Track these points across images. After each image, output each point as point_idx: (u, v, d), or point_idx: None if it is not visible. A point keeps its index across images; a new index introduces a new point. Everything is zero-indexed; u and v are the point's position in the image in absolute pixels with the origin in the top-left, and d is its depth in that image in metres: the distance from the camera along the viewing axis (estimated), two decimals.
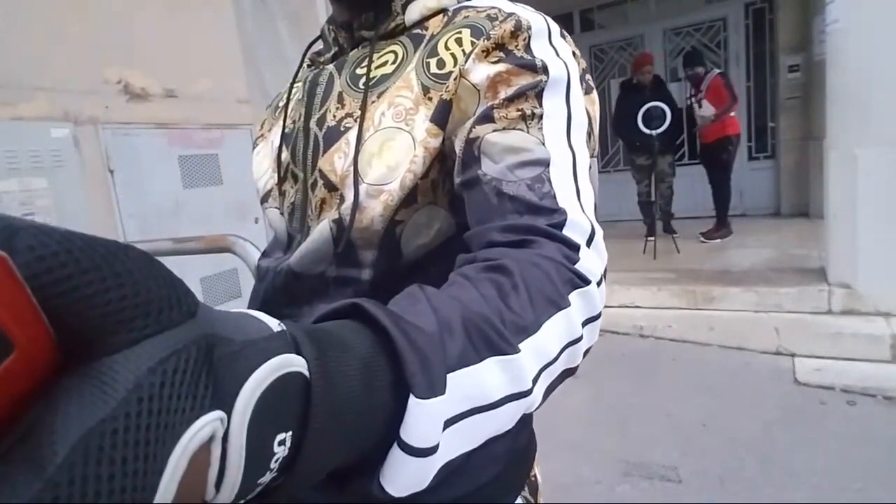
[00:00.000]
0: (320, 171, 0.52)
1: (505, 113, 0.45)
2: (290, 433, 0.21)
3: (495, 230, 0.42)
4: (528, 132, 0.45)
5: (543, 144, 0.44)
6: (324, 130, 0.53)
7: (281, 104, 0.63)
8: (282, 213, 0.58)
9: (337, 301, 0.30)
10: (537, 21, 0.48)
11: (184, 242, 1.53)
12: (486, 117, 0.46)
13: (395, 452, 0.26)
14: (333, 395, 0.23)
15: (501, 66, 0.46)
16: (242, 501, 0.21)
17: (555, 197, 0.43)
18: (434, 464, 0.27)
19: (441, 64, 0.48)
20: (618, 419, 2.49)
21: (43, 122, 2.61)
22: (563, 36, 0.50)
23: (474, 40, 0.47)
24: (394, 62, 0.51)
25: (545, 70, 0.46)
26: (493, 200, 0.44)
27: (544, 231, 0.40)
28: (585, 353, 0.40)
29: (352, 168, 0.49)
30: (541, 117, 0.45)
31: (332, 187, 0.51)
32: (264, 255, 0.64)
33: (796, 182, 5.24)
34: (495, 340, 0.30)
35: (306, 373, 0.22)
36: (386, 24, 0.53)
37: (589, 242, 0.42)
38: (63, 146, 2.67)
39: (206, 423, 0.18)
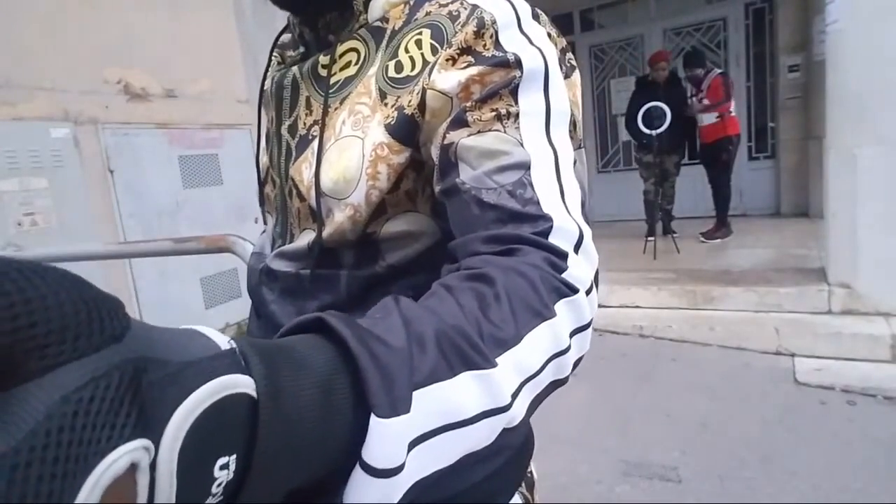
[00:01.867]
0: (292, 179, 0.53)
1: (479, 115, 0.43)
2: (233, 456, 0.20)
3: (479, 241, 0.40)
4: (504, 132, 0.43)
5: (522, 145, 0.42)
6: (296, 139, 0.53)
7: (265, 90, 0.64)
8: (271, 215, 0.60)
9: (319, 298, 0.30)
10: (503, 11, 0.45)
11: (184, 242, 1.52)
12: (460, 121, 0.44)
13: (358, 473, 0.25)
14: (284, 416, 0.22)
15: (472, 70, 0.44)
16: None
17: (538, 203, 0.41)
18: (399, 484, 0.26)
19: (399, 67, 0.47)
20: (618, 419, 2.49)
21: (43, 122, 2.61)
22: (535, 18, 0.47)
23: (435, 44, 0.46)
24: (356, 62, 0.50)
25: (518, 64, 0.44)
26: (475, 210, 0.42)
27: (529, 240, 0.39)
28: (577, 363, 0.38)
29: (314, 179, 0.49)
30: (517, 116, 0.43)
31: (301, 197, 0.52)
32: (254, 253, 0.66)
33: (796, 182, 5.24)
34: (470, 354, 0.29)
35: (253, 393, 0.21)
36: (350, 25, 0.52)
37: (577, 248, 0.41)
38: (63, 146, 2.67)
39: (124, 454, 0.16)
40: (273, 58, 0.61)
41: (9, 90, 2.47)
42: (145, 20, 3.01)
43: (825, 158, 3.10)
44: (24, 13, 2.54)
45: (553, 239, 0.39)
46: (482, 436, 0.30)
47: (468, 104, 0.44)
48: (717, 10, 5.55)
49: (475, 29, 0.44)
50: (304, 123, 0.52)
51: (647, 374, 2.91)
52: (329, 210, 0.49)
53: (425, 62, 0.46)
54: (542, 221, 0.40)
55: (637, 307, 3.60)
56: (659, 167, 4.54)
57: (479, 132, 0.43)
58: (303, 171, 0.51)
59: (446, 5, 0.47)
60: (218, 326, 3.27)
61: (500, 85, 0.43)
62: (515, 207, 0.40)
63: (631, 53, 6.00)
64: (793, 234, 4.55)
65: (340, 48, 0.51)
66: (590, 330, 0.39)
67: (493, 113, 0.43)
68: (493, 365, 0.30)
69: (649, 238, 4.48)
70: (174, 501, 0.18)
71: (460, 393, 0.28)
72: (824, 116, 3.11)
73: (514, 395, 0.31)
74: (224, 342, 0.22)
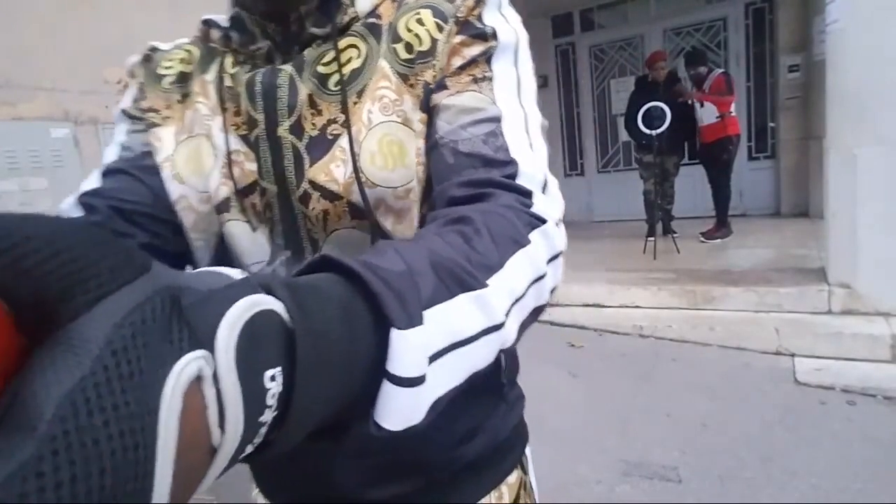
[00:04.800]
0: (312, 182, 0.49)
1: (457, 80, 0.48)
2: (278, 368, 0.21)
3: (454, 186, 0.44)
4: (480, 93, 0.47)
5: (495, 103, 0.47)
6: (305, 140, 0.50)
7: (194, 90, 0.54)
8: (253, 228, 0.53)
9: None
10: None
11: None
12: (441, 86, 0.48)
13: (386, 387, 0.27)
14: (315, 331, 0.23)
15: (456, 39, 0.48)
16: (252, 448, 0.21)
17: (508, 149, 0.45)
18: (424, 395, 0.28)
19: (409, 48, 0.49)
20: (618, 419, 2.49)
21: (43, 123, 2.61)
22: (511, 4, 0.52)
23: (439, 22, 0.48)
24: (359, 56, 0.50)
25: (494, 36, 0.48)
26: (451, 160, 0.46)
27: (499, 182, 0.43)
28: (552, 291, 0.42)
29: (353, 175, 0.49)
30: (491, 80, 0.48)
31: (334, 196, 0.49)
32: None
33: (796, 182, 5.24)
34: (464, 278, 0.32)
35: (283, 312, 0.22)
36: (339, 18, 0.50)
37: (543, 189, 0.45)
38: (63, 146, 2.67)
39: (190, 361, 0.18)
40: (228, 59, 0.53)
41: (9, 90, 2.47)
42: (145, 20, 3.01)
43: (825, 158, 3.10)
44: (24, 13, 2.54)
45: (520, 181, 0.44)
46: (484, 354, 0.33)
47: (449, 72, 0.48)
48: (717, 10, 5.54)
49: (471, 4, 0.49)
50: (314, 124, 0.49)
51: (647, 374, 2.91)
52: (380, 201, 0.49)
53: (433, 39, 0.48)
54: (511, 166, 0.44)
55: (637, 307, 3.60)
56: (659, 167, 4.54)
57: (457, 92, 0.48)
58: (332, 170, 0.49)
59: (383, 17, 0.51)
60: None
61: (477, 54, 0.48)
62: (487, 153, 0.45)
63: (631, 53, 6.00)
64: (793, 234, 4.54)
65: (341, 43, 0.50)
66: (561, 259, 0.43)
67: (470, 77, 0.48)
68: (486, 286, 0.33)
69: (649, 238, 4.48)
70: (242, 410, 0.19)
71: (461, 313, 0.31)
72: (824, 116, 3.11)
73: (507, 314, 0.34)
74: (238, 274, 0.23)
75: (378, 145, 0.48)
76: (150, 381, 0.16)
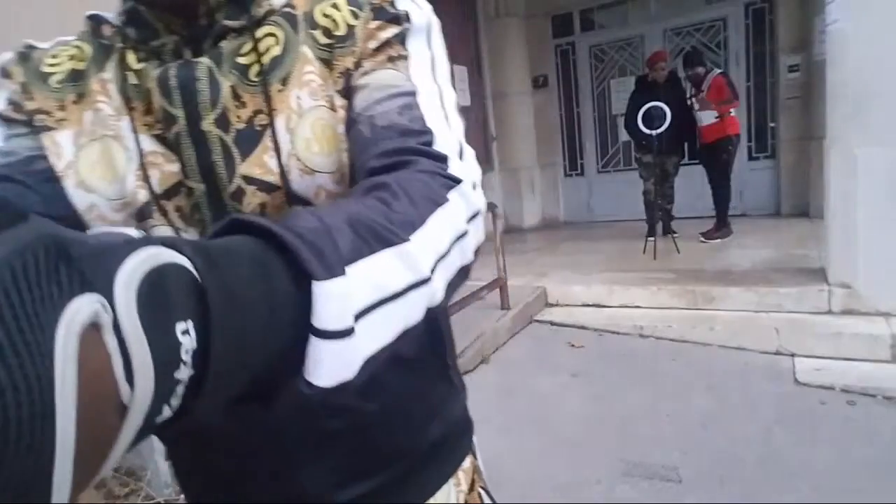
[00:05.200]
0: (246, 177, 0.48)
1: (373, 59, 0.48)
2: (189, 322, 0.20)
3: (372, 157, 0.44)
4: (396, 70, 0.48)
5: (410, 80, 0.48)
6: (232, 134, 0.48)
7: (93, 88, 0.50)
8: (180, 233, 0.50)
9: None
10: None
11: None
12: (357, 66, 0.49)
13: (313, 342, 0.26)
14: (226, 286, 0.22)
15: (371, 24, 0.49)
16: (170, 413, 0.20)
17: (423, 119, 0.46)
18: (355, 349, 0.27)
19: (327, 32, 0.49)
20: (618, 419, 2.49)
21: None
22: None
23: (354, 9, 0.49)
24: (278, 44, 0.49)
25: (407, 18, 0.49)
26: (368, 133, 0.46)
27: (416, 150, 0.43)
28: (476, 251, 0.43)
29: (291, 162, 0.48)
30: (406, 58, 0.49)
31: (271, 188, 0.48)
32: None
33: (796, 182, 5.24)
34: (385, 234, 0.32)
35: (190, 266, 0.21)
36: (254, 10, 0.49)
37: (460, 156, 0.46)
38: None
39: (84, 305, 0.16)
40: (119, 52, 0.50)
41: None
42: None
43: (825, 158, 3.10)
44: (24, 13, 2.54)
45: (436, 147, 0.45)
46: (414, 310, 0.33)
47: (365, 54, 0.49)
48: (717, 10, 5.54)
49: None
50: (239, 116, 0.48)
51: (647, 374, 2.91)
52: (319, 188, 0.49)
53: (349, 25, 0.49)
54: (426, 135, 0.45)
55: (637, 307, 3.60)
56: (659, 167, 4.54)
57: (372, 70, 0.48)
58: (266, 161, 0.48)
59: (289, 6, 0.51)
60: None
61: (391, 36, 0.49)
62: (403, 123, 0.46)
63: (631, 53, 6.00)
64: (793, 234, 4.54)
65: (258, 32, 0.49)
66: (481, 218, 0.44)
67: (385, 56, 0.48)
68: (408, 240, 0.33)
69: (649, 238, 4.48)
70: (150, 360, 0.18)
71: (385, 268, 0.31)
72: (824, 116, 3.12)
73: (433, 270, 0.34)
74: (135, 233, 0.22)
75: (312, 131, 0.48)
76: (39, 324, 0.15)
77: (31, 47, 0.53)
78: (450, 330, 0.63)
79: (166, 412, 0.19)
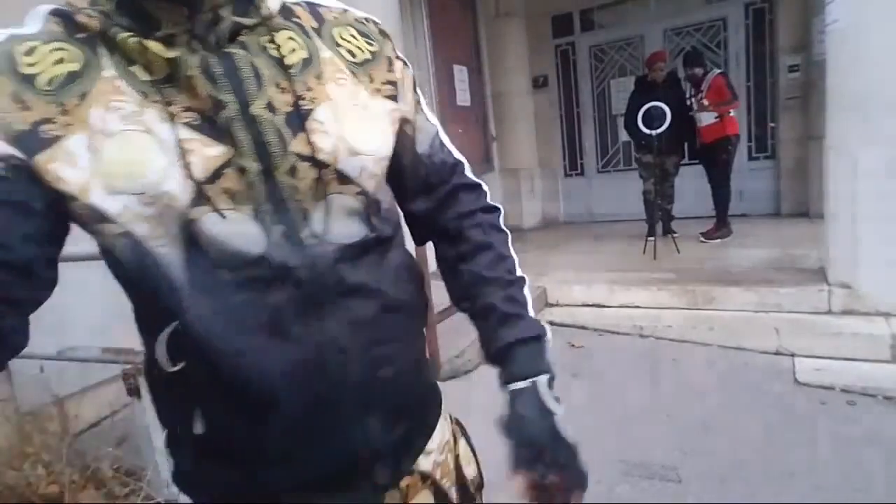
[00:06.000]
0: (299, 154, 0.51)
1: (414, 103, 0.66)
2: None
3: (443, 195, 0.70)
4: (425, 113, 0.68)
5: (431, 119, 0.69)
6: (281, 116, 0.51)
7: (98, 88, 0.48)
8: (232, 213, 0.50)
9: (379, 255, 0.59)
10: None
11: None
12: (395, 97, 0.62)
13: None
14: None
15: (408, 70, 0.66)
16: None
17: (451, 151, 0.71)
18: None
19: (352, 54, 0.59)
20: (618, 419, 2.49)
21: None
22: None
23: (369, 40, 0.61)
24: (302, 48, 0.55)
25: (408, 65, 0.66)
26: (424, 170, 0.68)
27: (464, 185, 0.71)
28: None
29: (346, 142, 0.54)
30: (421, 102, 0.68)
31: (322, 165, 0.53)
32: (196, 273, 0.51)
33: (796, 182, 5.23)
34: (521, 279, 0.70)
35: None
36: (264, 10, 0.53)
37: (465, 168, 0.72)
38: None
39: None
40: (112, 46, 0.49)
41: None
42: None
43: (825, 158, 3.10)
44: (24, 13, 2.54)
45: (467, 172, 0.72)
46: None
47: (407, 97, 0.65)
48: (717, 10, 5.54)
49: (390, 41, 0.64)
50: (285, 101, 0.52)
51: (647, 374, 2.91)
52: (362, 168, 0.56)
53: (372, 52, 0.61)
54: (460, 164, 0.72)
55: (637, 307, 3.59)
56: (659, 167, 4.54)
57: (416, 113, 0.66)
58: (315, 141, 0.52)
59: (348, 14, 0.62)
60: None
61: (412, 78, 0.66)
62: (448, 160, 0.70)
63: (631, 53, 6.00)
64: (793, 234, 4.54)
65: (278, 35, 0.53)
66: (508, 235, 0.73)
67: (416, 101, 0.67)
68: (523, 277, 0.70)
69: (649, 238, 4.48)
70: None
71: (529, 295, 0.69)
72: (824, 116, 3.11)
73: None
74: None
75: (356, 121, 0.56)
76: None
77: None
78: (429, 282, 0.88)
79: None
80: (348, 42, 0.59)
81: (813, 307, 3.13)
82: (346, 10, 0.62)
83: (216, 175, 0.49)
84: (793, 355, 2.94)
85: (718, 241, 4.55)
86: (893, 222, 2.84)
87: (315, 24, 0.58)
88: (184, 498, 0.62)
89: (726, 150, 4.45)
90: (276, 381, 0.52)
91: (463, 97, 5.57)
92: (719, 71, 4.58)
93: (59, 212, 0.48)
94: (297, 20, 0.56)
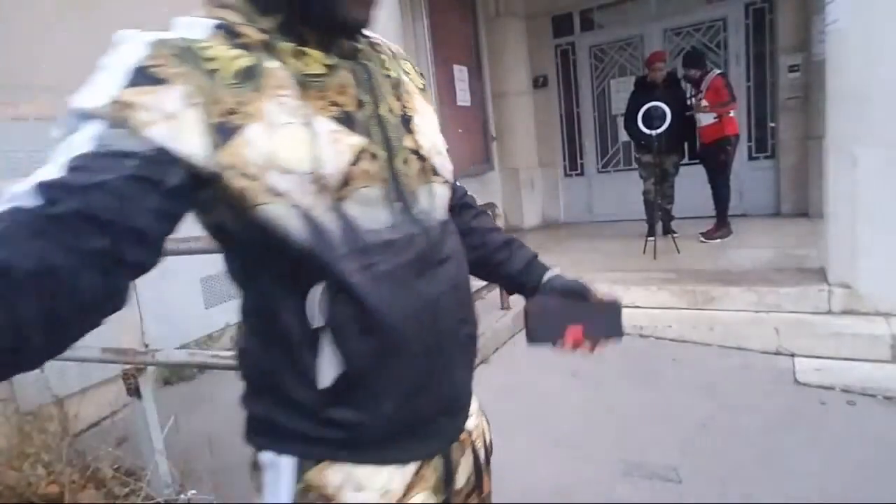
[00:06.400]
0: (410, 149, 0.67)
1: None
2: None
3: (464, 195, 0.92)
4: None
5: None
6: (397, 118, 0.67)
7: (269, 83, 0.57)
8: (372, 191, 0.62)
9: (454, 231, 0.75)
10: None
11: (184, 242, 1.53)
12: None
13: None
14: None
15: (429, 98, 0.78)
16: None
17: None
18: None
19: (415, 81, 0.75)
20: (618, 419, 2.49)
21: (44, 122, 2.61)
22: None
23: (420, 76, 0.79)
24: (394, 70, 0.71)
25: None
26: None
27: (465, 191, 0.94)
28: None
29: (434, 144, 0.71)
30: None
31: (423, 159, 0.68)
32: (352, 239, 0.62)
33: (796, 182, 5.24)
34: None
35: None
36: (367, 39, 0.71)
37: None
38: None
39: None
40: (277, 50, 0.59)
41: (9, 90, 2.47)
42: (146, 20, 3.02)
43: (825, 158, 3.10)
44: (25, 13, 2.54)
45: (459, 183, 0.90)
46: None
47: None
48: (717, 10, 5.55)
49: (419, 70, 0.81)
50: (401, 106, 0.68)
51: (647, 374, 2.91)
52: (442, 165, 0.72)
53: (423, 83, 0.78)
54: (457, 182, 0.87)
55: (637, 307, 3.59)
56: (659, 167, 4.54)
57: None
58: (419, 139, 0.68)
59: (391, 47, 0.76)
60: (218, 326, 3.27)
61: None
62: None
63: (631, 53, 6.00)
64: (793, 234, 4.55)
65: (381, 57, 0.71)
66: None
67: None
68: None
69: (649, 238, 4.48)
70: None
71: None
72: (824, 116, 3.11)
73: None
74: None
75: (434, 130, 0.74)
76: None
77: (178, 42, 0.55)
78: None
79: None
80: (409, 74, 0.75)
81: (813, 307, 3.13)
82: (398, 49, 0.78)
83: (357, 159, 0.61)
84: (793, 355, 2.94)
85: (718, 241, 4.55)
86: (893, 222, 2.84)
87: (387, 55, 0.72)
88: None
89: (726, 151, 4.45)
90: (407, 325, 0.63)
91: (463, 97, 5.57)
92: (719, 72, 4.58)
93: (185, 196, 0.54)
94: (377, 50, 0.71)
